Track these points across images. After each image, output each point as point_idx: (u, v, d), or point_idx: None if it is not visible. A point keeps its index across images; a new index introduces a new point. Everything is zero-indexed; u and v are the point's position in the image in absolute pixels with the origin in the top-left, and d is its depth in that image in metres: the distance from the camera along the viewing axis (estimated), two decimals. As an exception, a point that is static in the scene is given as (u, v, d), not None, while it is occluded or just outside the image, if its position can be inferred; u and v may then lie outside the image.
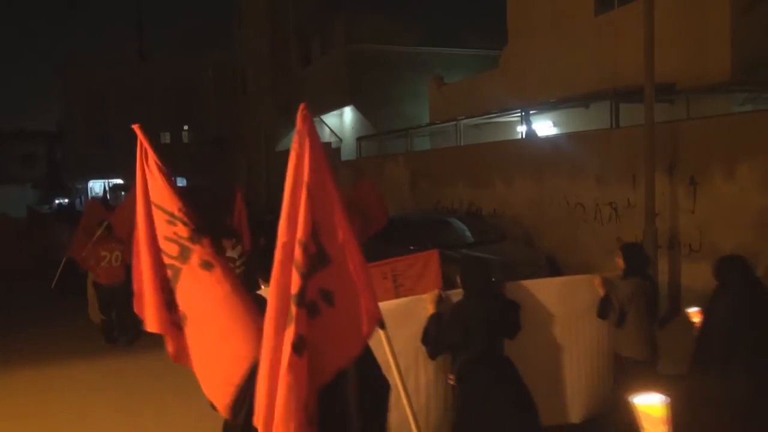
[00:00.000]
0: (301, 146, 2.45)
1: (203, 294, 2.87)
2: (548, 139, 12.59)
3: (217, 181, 32.51)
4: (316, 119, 25.10)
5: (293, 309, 2.30)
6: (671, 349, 5.16)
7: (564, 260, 10.30)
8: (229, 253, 6.30)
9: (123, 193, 30.37)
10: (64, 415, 6.40)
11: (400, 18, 21.90)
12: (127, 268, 6.43)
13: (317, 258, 2.41)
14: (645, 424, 2.11)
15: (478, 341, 4.13)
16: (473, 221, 12.04)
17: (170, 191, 2.99)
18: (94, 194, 37.02)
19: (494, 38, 18.54)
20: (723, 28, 10.23)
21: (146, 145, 3.03)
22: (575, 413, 5.08)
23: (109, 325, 9.07)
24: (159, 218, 2.98)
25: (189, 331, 2.92)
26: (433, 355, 4.32)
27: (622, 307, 4.78)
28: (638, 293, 4.82)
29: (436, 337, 4.20)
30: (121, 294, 8.40)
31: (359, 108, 22.16)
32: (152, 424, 6.01)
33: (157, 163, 3.02)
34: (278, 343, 2.30)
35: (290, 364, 2.26)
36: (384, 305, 4.34)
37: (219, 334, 2.85)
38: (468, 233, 10.85)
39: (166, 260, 2.95)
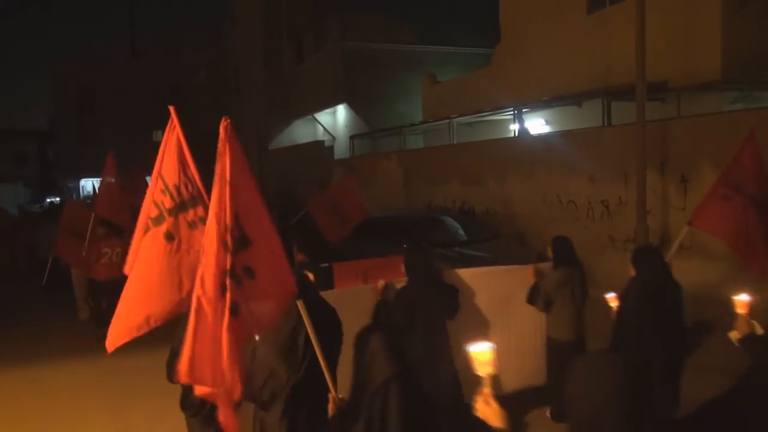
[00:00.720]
0: (223, 151, 2.96)
1: (149, 255, 3.49)
2: (541, 138, 12.63)
3: (209, 179, 32.39)
4: (309, 117, 25.11)
5: (228, 281, 2.84)
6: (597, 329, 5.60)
7: (556, 258, 10.34)
8: None
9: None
10: (57, 415, 6.38)
11: (394, 16, 21.90)
12: None
13: (240, 240, 2.96)
14: (476, 366, 2.53)
15: (420, 321, 4.61)
16: (466, 219, 12.05)
17: (176, 168, 3.51)
18: (86, 193, 36.82)
19: (487, 36, 18.58)
20: (714, 27, 10.29)
21: (176, 123, 3.51)
22: (505, 385, 5.47)
23: (98, 313, 9.19)
24: (157, 185, 3.56)
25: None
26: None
27: (548, 294, 5.29)
28: (565, 281, 5.32)
29: (385, 320, 4.63)
30: (118, 286, 8.41)
31: (352, 106, 22.12)
32: (144, 424, 6.01)
33: (180, 142, 3.51)
34: (219, 308, 2.82)
35: (230, 325, 2.80)
36: (340, 291, 5.00)
37: (135, 288, 3.49)
38: (461, 231, 10.86)
39: (145, 217, 3.62)
